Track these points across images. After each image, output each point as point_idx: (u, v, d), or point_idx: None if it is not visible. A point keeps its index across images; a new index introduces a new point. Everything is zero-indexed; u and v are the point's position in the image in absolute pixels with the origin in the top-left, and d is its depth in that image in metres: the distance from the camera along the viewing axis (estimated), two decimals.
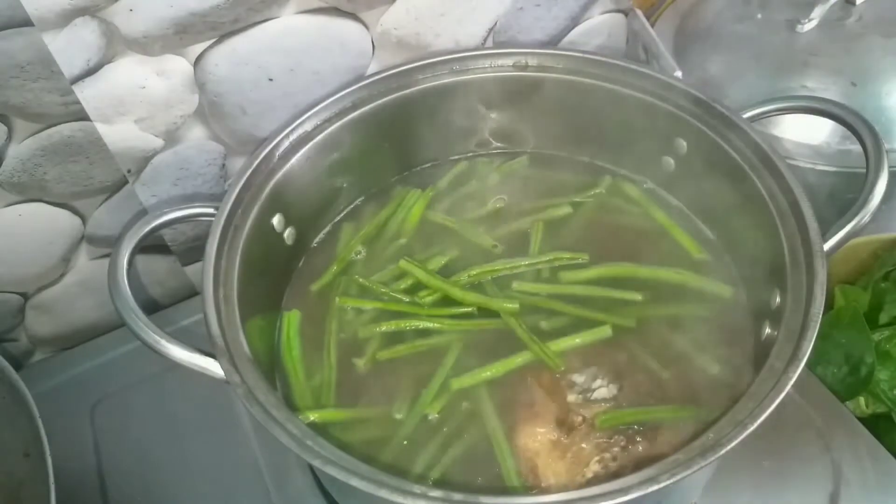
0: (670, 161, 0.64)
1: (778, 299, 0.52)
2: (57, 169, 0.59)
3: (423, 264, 0.61)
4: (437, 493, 0.42)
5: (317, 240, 0.66)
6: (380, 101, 0.63)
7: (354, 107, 0.63)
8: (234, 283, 0.53)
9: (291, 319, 0.60)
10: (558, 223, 0.65)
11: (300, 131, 0.61)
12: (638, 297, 0.59)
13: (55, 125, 0.57)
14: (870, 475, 0.57)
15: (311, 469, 0.59)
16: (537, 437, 0.52)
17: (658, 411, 0.52)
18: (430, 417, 0.53)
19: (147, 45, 0.56)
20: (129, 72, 0.57)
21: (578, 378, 0.54)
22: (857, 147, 0.54)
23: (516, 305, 0.58)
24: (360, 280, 0.61)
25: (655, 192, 0.67)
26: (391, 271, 0.62)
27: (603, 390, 0.53)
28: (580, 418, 0.52)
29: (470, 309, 0.59)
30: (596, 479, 0.49)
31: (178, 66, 0.58)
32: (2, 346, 0.68)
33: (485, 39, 0.69)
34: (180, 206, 0.56)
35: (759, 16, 0.75)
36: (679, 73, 0.68)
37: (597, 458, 0.50)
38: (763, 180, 0.55)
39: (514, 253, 0.63)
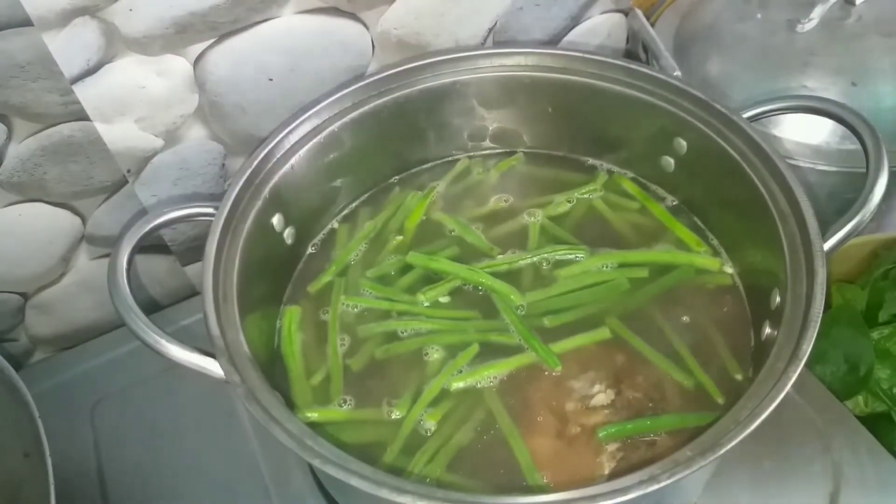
0: (670, 161, 0.64)
1: (778, 299, 0.52)
2: (57, 169, 0.59)
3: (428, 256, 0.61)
4: (437, 492, 0.42)
5: (316, 239, 0.66)
6: (380, 101, 0.63)
7: (354, 107, 0.63)
8: (234, 283, 0.53)
9: (292, 314, 0.60)
10: (557, 221, 0.65)
11: (300, 131, 0.61)
12: (644, 273, 0.59)
13: (55, 125, 0.57)
14: (870, 475, 0.56)
15: (311, 469, 0.59)
16: (534, 439, 0.52)
17: (658, 422, 0.52)
18: (428, 418, 0.53)
19: (147, 45, 0.56)
20: (129, 72, 0.57)
21: (576, 384, 0.54)
22: (857, 147, 0.54)
23: (523, 298, 0.58)
24: (360, 280, 0.61)
25: (655, 192, 0.67)
26: (390, 271, 0.62)
27: (601, 396, 0.53)
28: (578, 429, 0.52)
29: (470, 313, 0.59)
30: (597, 479, 0.49)
31: (178, 66, 0.58)
32: (2, 346, 0.68)
33: (485, 39, 0.69)
34: (180, 206, 0.56)
35: (759, 16, 0.75)
36: (679, 73, 0.68)
37: (597, 460, 0.50)
38: (763, 180, 0.55)
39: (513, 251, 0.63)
